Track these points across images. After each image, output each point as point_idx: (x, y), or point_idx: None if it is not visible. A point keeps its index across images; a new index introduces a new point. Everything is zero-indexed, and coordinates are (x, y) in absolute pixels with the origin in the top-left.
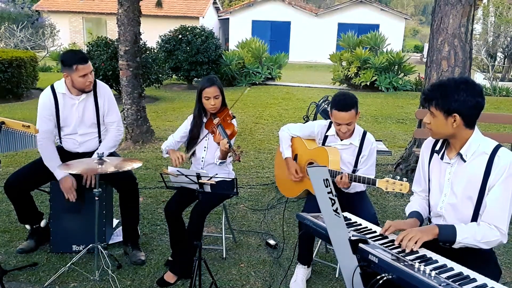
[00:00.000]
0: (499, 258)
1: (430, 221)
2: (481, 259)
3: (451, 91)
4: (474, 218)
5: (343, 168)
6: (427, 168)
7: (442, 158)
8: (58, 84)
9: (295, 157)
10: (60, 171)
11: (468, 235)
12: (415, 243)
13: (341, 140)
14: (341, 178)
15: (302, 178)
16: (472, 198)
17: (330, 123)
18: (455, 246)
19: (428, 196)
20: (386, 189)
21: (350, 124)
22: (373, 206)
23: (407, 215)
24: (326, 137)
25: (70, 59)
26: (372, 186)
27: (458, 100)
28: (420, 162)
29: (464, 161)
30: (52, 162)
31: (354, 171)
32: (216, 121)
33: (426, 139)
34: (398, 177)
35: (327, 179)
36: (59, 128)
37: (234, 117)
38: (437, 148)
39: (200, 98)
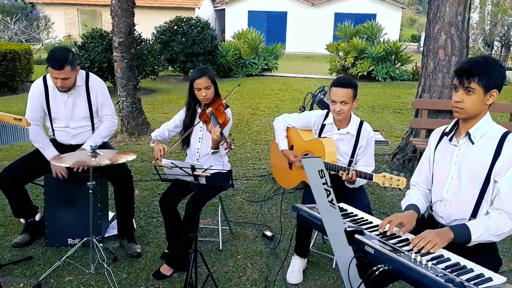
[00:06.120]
0: None
1: (431, 209)
2: (481, 249)
3: (494, 67)
4: (479, 201)
5: (339, 159)
6: (433, 153)
7: (451, 140)
8: (49, 76)
9: (290, 148)
10: (50, 150)
11: (482, 231)
12: (433, 247)
13: (338, 129)
14: (347, 174)
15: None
16: (479, 181)
17: (328, 112)
18: (470, 245)
19: (432, 181)
20: (383, 184)
21: (344, 104)
22: (368, 196)
23: (403, 208)
24: (323, 126)
25: (48, 56)
26: (368, 181)
27: (499, 76)
28: (427, 151)
29: (473, 142)
30: (40, 143)
31: (350, 162)
32: (208, 110)
33: (423, 129)
34: (396, 172)
35: (322, 170)
36: (51, 120)
37: (227, 106)
38: (447, 130)
39: (192, 89)
